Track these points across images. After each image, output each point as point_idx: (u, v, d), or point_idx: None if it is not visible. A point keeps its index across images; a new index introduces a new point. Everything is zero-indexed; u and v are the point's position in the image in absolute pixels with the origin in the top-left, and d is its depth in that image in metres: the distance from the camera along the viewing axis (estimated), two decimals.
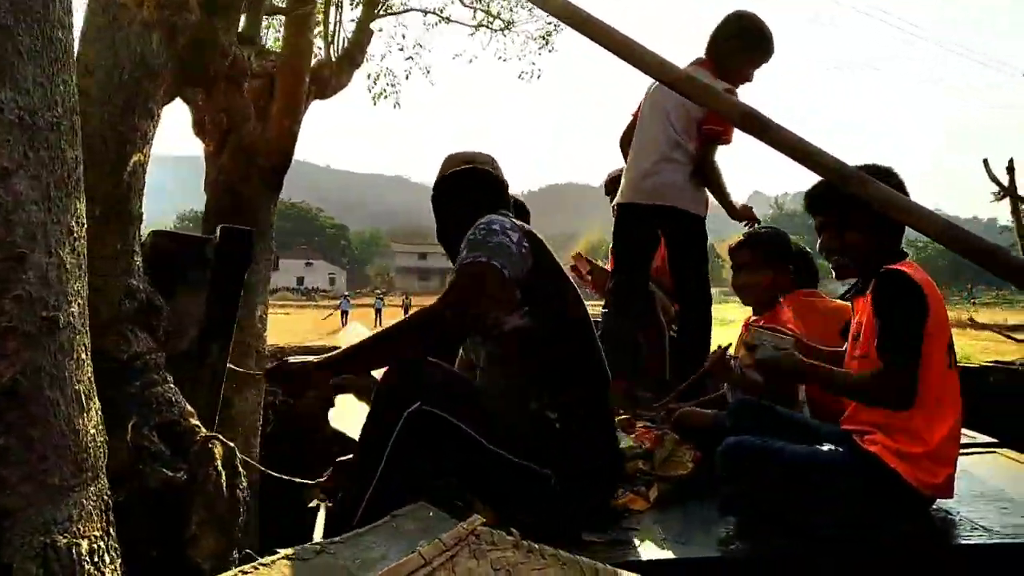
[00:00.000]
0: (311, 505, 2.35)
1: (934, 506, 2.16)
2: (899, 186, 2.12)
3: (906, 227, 2.20)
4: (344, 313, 27.83)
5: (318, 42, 5.03)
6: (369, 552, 1.51)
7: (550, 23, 6.80)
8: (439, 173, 2.36)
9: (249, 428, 3.60)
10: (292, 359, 2.07)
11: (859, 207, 2.16)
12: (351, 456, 2.32)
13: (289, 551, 1.49)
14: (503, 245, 1.98)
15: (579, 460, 2.12)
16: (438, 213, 2.30)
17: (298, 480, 2.88)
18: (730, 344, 3.15)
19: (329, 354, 2.06)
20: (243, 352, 3.60)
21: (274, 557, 1.47)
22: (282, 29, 4.28)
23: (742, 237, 3.16)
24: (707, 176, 3.27)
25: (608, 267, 4.20)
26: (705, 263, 3.35)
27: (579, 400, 2.17)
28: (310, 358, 2.04)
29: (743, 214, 3.26)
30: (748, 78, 3.30)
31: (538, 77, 7.87)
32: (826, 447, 2.17)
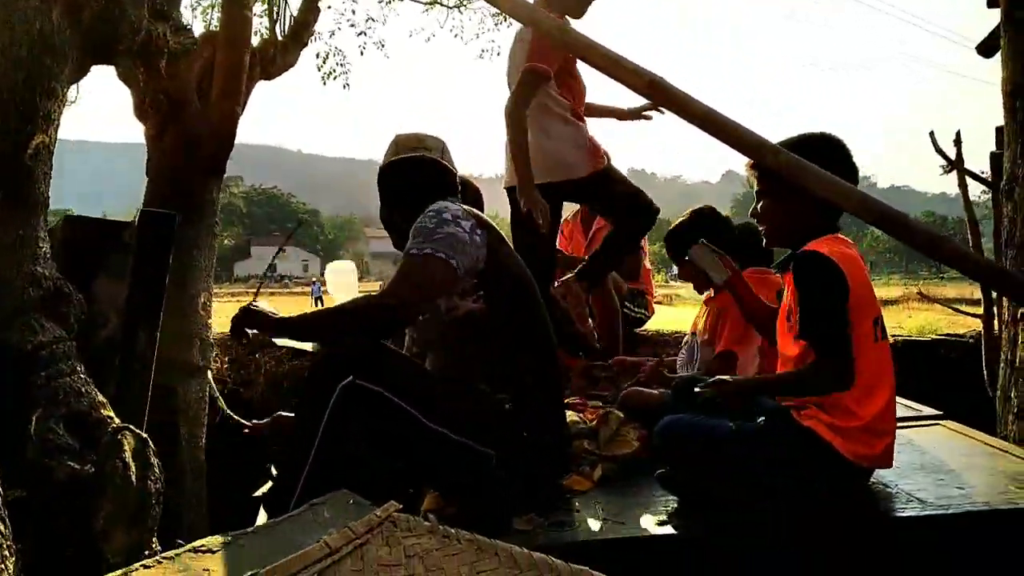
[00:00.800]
0: (256, 494, 2.32)
1: (872, 480, 2.16)
2: (843, 159, 2.10)
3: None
4: (318, 299, 27.98)
5: (263, 20, 4.92)
6: (281, 542, 1.48)
7: None
8: (386, 156, 2.32)
9: (193, 418, 3.53)
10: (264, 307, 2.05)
11: (771, 178, 2.14)
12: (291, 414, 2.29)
13: (197, 543, 1.45)
14: (453, 236, 1.96)
15: (526, 441, 2.11)
16: (383, 196, 2.26)
17: (240, 420, 2.84)
18: (662, 356, 3.18)
19: (286, 316, 2.01)
20: (185, 341, 3.52)
21: (180, 550, 1.42)
22: (218, 7, 4.17)
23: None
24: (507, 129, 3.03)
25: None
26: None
27: (530, 381, 2.16)
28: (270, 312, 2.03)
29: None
30: (577, 13, 3.11)
31: (499, 54, 7.78)
32: (762, 422, 2.17)
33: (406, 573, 1.44)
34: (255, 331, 2.02)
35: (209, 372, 2.75)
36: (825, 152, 2.12)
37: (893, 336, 4.74)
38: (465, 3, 6.38)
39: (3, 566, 1.27)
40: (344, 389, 1.84)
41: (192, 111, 3.90)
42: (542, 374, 2.21)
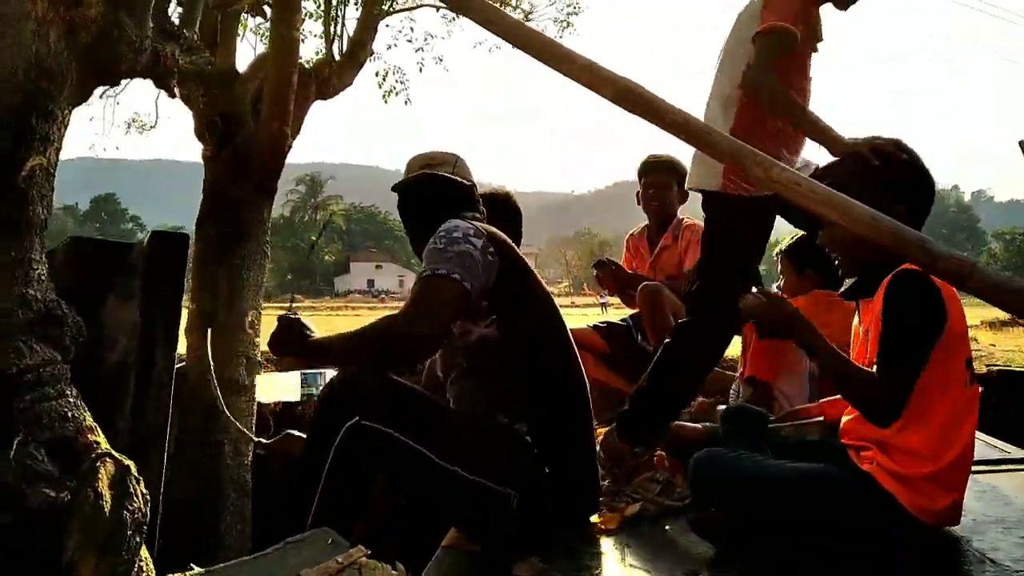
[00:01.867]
0: None
1: (943, 531, 1.92)
2: (914, 172, 1.88)
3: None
4: None
5: (320, 41, 4.99)
6: None
7: (570, 5, 6.62)
8: (403, 179, 2.30)
9: (238, 436, 3.54)
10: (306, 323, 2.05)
11: (875, 188, 1.90)
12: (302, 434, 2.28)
13: None
14: (465, 254, 1.91)
15: (549, 478, 2.00)
16: (405, 223, 2.22)
17: (254, 438, 2.77)
18: (718, 399, 2.99)
19: (316, 340, 2.00)
20: (231, 359, 3.55)
21: None
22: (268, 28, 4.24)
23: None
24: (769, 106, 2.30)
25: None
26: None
27: (552, 413, 2.05)
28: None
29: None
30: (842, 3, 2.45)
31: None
32: (815, 464, 1.96)
33: None
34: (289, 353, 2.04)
35: (215, 385, 2.72)
36: (904, 165, 1.89)
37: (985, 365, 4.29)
38: (528, 19, 6.33)
39: None
40: (350, 430, 1.80)
41: (246, 132, 3.97)
42: (566, 403, 2.09)
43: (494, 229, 2.10)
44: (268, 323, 4.13)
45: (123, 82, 6.15)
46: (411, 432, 1.84)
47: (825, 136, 2.15)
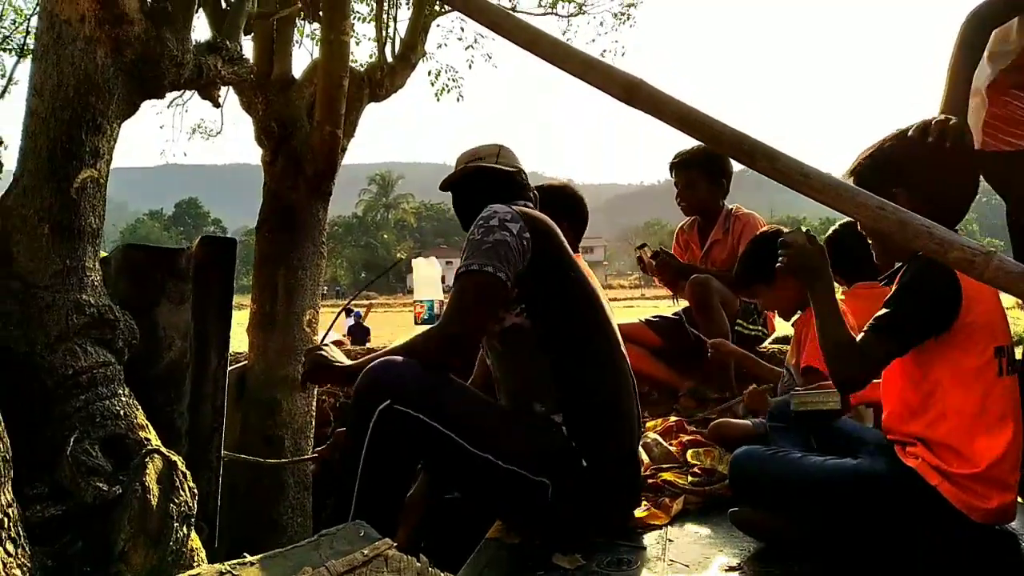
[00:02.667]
0: None
1: (996, 529, 1.83)
2: (959, 160, 1.79)
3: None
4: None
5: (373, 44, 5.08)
6: (278, 574, 1.45)
7: None
8: (454, 173, 2.34)
9: (298, 431, 3.66)
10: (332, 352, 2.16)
11: (901, 174, 1.83)
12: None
13: (191, 572, 1.46)
14: (500, 243, 1.92)
15: (587, 471, 2.00)
16: (460, 219, 2.26)
17: (295, 459, 2.86)
18: (768, 386, 2.91)
19: (350, 364, 2.09)
20: (290, 356, 3.67)
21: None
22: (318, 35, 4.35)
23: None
24: None
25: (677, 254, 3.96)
26: None
27: (589, 403, 2.04)
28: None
29: None
30: None
31: (623, 55, 7.65)
32: (859, 460, 1.90)
33: None
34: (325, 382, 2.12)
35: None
36: (929, 149, 1.81)
37: None
38: (582, 11, 6.29)
39: None
40: (381, 414, 1.83)
41: (300, 136, 4.09)
42: (603, 392, 2.07)
43: (537, 214, 2.08)
44: (327, 321, 4.26)
45: (187, 93, 6.42)
46: (443, 418, 1.85)
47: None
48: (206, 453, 2.42)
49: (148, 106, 2.32)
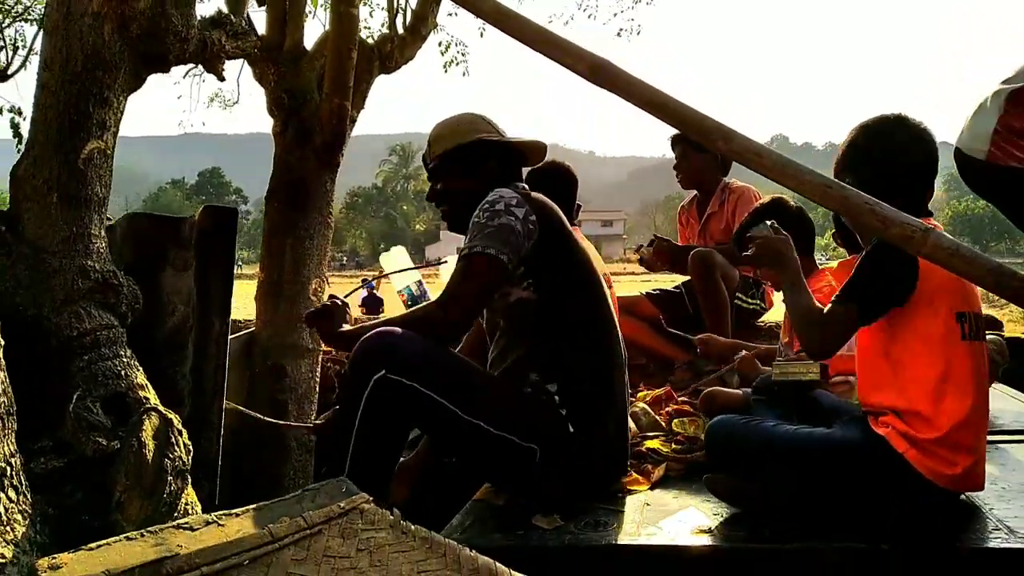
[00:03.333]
0: None
1: (964, 499, 1.90)
2: (919, 146, 1.86)
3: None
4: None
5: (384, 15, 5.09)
6: (258, 526, 1.54)
7: None
8: (427, 146, 2.33)
9: (303, 396, 3.77)
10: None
11: (859, 159, 1.91)
12: None
13: (182, 520, 1.55)
14: (505, 227, 1.99)
15: (574, 438, 2.07)
16: (447, 195, 2.28)
17: (292, 424, 2.97)
18: (758, 349, 2.96)
19: (346, 330, 2.17)
20: (296, 325, 3.76)
21: (164, 525, 1.53)
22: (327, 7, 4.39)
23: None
24: None
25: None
26: None
27: (583, 374, 2.12)
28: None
29: None
30: None
31: (638, 33, 7.59)
32: (831, 429, 1.98)
33: (350, 566, 1.47)
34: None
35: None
36: (900, 138, 1.88)
37: None
38: None
39: (12, 527, 1.44)
40: (376, 383, 1.90)
41: (310, 108, 4.15)
42: (597, 364, 2.15)
43: (541, 197, 2.14)
44: (335, 291, 4.35)
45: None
46: (436, 387, 1.91)
47: None
48: (208, 413, 2.53)
49: (166, 76, 2.41)
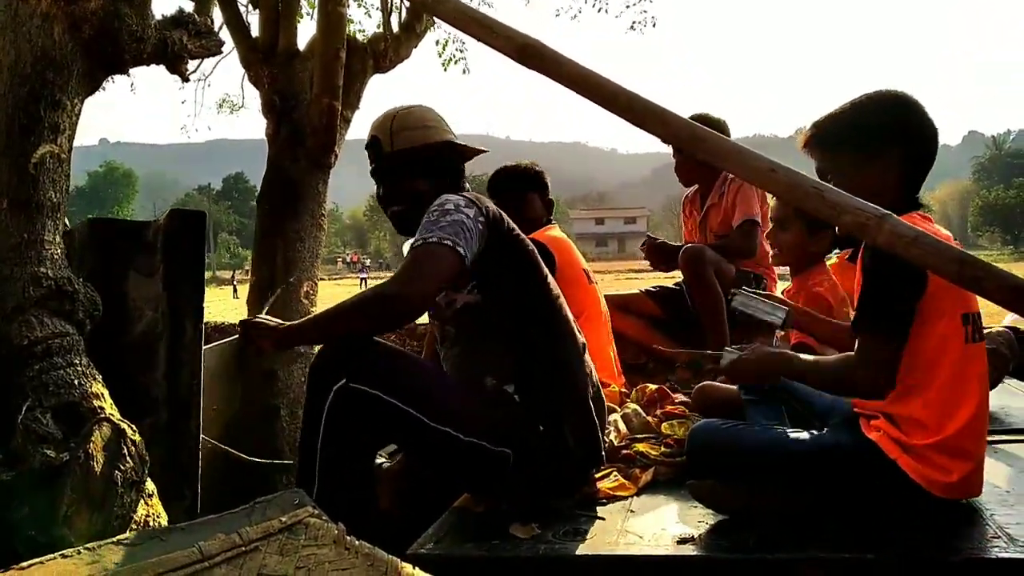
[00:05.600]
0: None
1: (963, 504, 1.80)
2: (916, 123, 1.75)
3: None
4: (363, 280, 29.70)
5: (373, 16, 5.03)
6: (202, 539, 1.48)
7: None
8: (382, 136, 2.16)
9: (294, 400, 3.72)
10: (266, 319, 2.16)
11: (840, 148, 1.80)
12: None
13: (124, 536, 1.50)
14: (458, 223, 1.92)
15: (544, 436, 2.02)
16: (397, 197, 2.19)
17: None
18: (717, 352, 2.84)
19: (288, 325, 2.09)
20: None
21: (104, 542, 1.47)
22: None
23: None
24: None
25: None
26: None
27: (540, 373, 2.06)
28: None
29: None
30: None
31: (654, 25, 7.47)
32: (820, 432, 1.88)
33: None
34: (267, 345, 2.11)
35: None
36: (895, 113, 1.76)
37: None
38: None
39: None
40: (337, 393, 1.84)
41: (302, 109, 4.11)
42: (553, 358, 2.08)
43: (480, 197, 2.09)
44: (325, 291, 4.31)
45: (205, 68, 6.47)
46: (400, 394, 1.85)
47: None
48: (185, 420, 2.48)
49: (173, 81, 2.36)
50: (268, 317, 2.12)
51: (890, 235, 1.03)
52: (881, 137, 1.71)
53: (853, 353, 1.66)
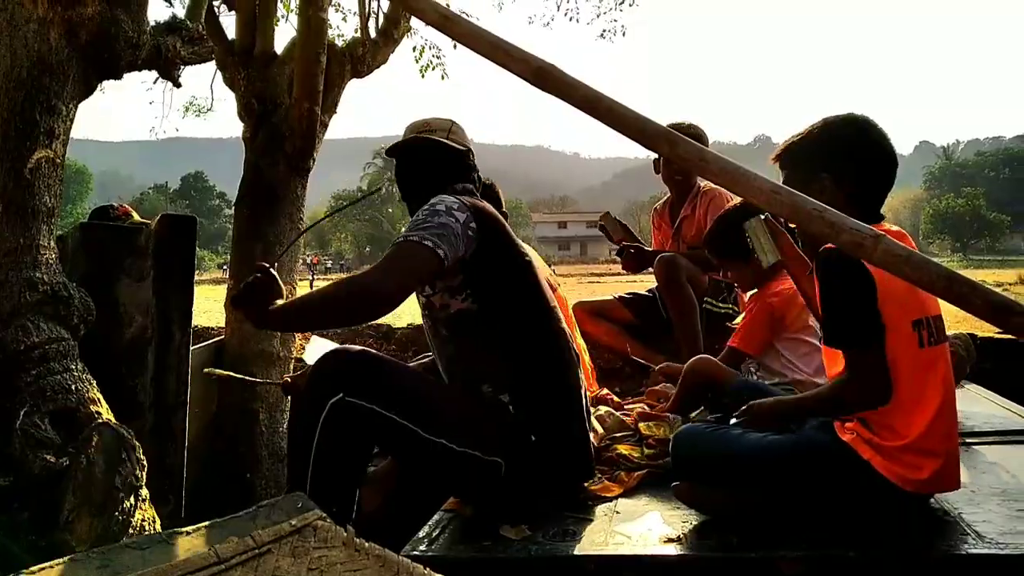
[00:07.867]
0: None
1: (934, 503, 1.88)
2: (873, 145, 1.85)
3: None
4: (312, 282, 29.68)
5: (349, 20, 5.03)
6: (207, 545, 1.50)
7: None
8: (396, 143, 2.31)
9: (273, 405, 3.72)
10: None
11: (796, 166, 1.89)
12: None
13: (128, 540, 1.51)
14: (444, 225, 1.93)
15: (537, 446, 2.04)
16: (401, 189, 2.25)
17: (259, 380, 2.86)
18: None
19: (278, 306, 2.03)
20: (266, 332, 3.71)
21: (112, 545, 1.48)
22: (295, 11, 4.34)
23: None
24: None
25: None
26: None
27: (536, 383, 2.08)
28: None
29: None
30: None
31: (623, 35, 7.57)
32: (797, 436, 1.96)
33: None
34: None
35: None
36: (850, 138, 1.86)
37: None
38: None
39: None
40: (333, 408, 1.84)
41: (280, 113, 4.10)
42: (547, 368, 2.11)
43: (484, 204, 2.11)
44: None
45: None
46: (396, 407, 1.86)
47: None
48: (171, 425, 2.48)
49: (139, 81, 2.35)
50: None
51: (884, 253, 1.10)
52: (831, 156, 1.81)
53: (839, 377, 1.74)
